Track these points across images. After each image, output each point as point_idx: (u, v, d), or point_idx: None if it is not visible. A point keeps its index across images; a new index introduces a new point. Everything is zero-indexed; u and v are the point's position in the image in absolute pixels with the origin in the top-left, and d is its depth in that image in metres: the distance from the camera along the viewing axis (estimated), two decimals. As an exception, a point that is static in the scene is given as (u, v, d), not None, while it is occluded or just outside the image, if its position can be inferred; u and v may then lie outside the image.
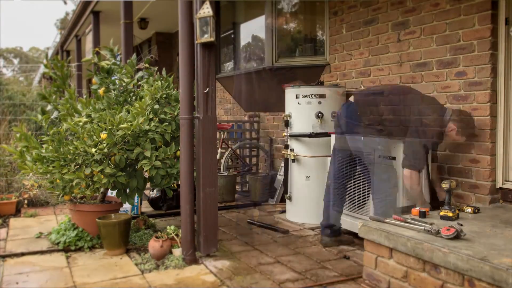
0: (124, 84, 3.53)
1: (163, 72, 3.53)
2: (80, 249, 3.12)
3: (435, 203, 2.95)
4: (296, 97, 3.78)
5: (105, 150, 2.95)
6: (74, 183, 2.96)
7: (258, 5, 4.81)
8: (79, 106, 3.40)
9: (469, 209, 2.67)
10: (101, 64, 3.59)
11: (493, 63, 2.88)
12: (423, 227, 2.25)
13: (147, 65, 3.67)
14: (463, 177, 3.06)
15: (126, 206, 3.72)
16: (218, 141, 4.91)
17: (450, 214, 2.49)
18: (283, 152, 3.97)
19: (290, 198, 3.90)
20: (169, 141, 3.19)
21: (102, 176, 2.94)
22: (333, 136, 3.51)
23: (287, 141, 3.90)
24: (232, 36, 5.78)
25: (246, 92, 5.51)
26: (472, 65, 2.97)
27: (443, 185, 2.59)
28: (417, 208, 2.56)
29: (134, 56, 3.77)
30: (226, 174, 4.75)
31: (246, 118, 5.54)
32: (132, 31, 5.37)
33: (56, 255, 3.02)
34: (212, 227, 2.93)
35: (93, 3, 6.65)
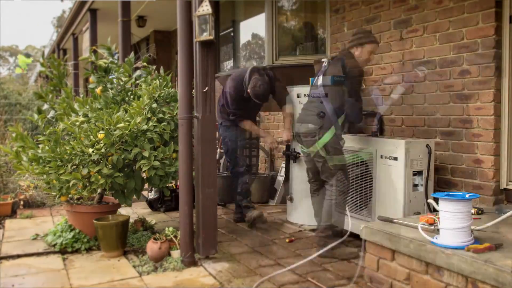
0: (121, 83, 3.49)
1: (161, 71, 3.48)
2: (77, 251, 3.07)
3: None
4: (298, 96, 3.74)
5: (102, 150, 2.91)
6: (70, 184, 2.91)
7: (258, 2, 4.77)
8: (76, 106, 3.35)
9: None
10: (98, 63, 3.55)
11: (497, 62, 2.84)
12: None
13: (145, 63, 3.63)
14: (467, 177, 3.03)
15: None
16: (217, 141, 4.85)
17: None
18: (283, 151, 3.93)
19: (291, 199, 3.86)
20: (168, 141, 3.14)
21: (99, 177, 2.90)
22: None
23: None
24: (232, 34, 5.73)
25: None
26: (476, 63, 2.93)
27: None
28: (425, 215, 2.48)
29: (132, 54, 3.72)
30: (225, 174, 4.71)
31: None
32: (130, 29, 5.33)
33: (52, 257, 2.97)
34: (211, 229, 2.89)
35: (90, 1, 6.59)
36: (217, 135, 4.56)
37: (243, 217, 3.78)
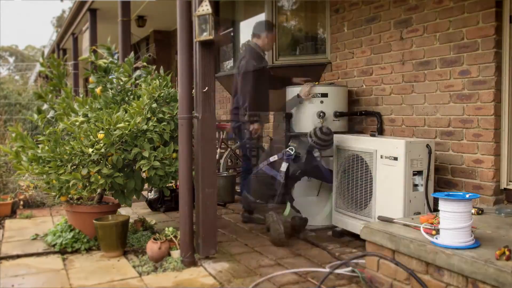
0: (121, 83, 3.48)
1: (161, 71, 3.48)
2: (76, 251, 3.07)
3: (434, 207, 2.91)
4: (298, 96, 3.73)
5: (102, 150, 2.90)
6: (70, 184, 2.91)
7: (258, 2, 4.76)
8: (75, 106, 3.35)
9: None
10: (98, 63, 3.54)
11: (498, 62, 2.84)
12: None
13: (145, 63, 3.62)
14: (467, 177, 3.02)
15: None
16: (217, 141, 4.85)
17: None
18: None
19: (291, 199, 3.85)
20: (168, 141, 3.14)
21: (99, 177, 2.90)
22: (336, 136, 3.46)
23: (288, 141, 3.85)
24: (232, 34, 5.73)
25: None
26: (476, 63, 2.93)
27: None
28: (425, 215, 2.47)
29: (131, 54, 3.71)
30: (225, 174, 4.70)
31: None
32: (130, 29, 5.32)
33: (52, 257, 2.97)
34: (211, 229, 2.88)
35: (90, 1, 6.59)
36: (217, 135, 4.56)
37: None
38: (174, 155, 3.07)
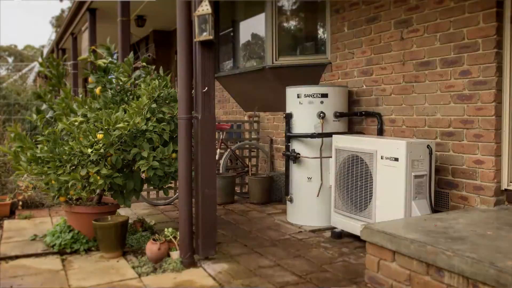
0: (121, 83, 3.47)
1: (161, 71, 3.47)
2: (75, 252, 3.06)
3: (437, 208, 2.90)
4: (298, 97, 3.73)
5: (101, 150, 2.89)
6: (69, 184, 2.90)
7: (258, 2, 4.75)
8: (75, 106, 3.34)
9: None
10: (97, 63, 3.53)
11: (498, 62, 2.83)
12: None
13: (144, 63, 3.61)
14: (467, 178, 3.02)
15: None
16: (217, 142, 4.84)
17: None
18: (282, 152, 3.91)
19: (291, 200, 3.84)
20: (167, 141, 3.13)
21: (98, 177, 2.88)
22: (335, 136, 3.46)
23: (288, 142, 3.85)
24: (232, 34, 5.72)
25: (246, 91, 5.45)
26: (476, 64, 2.92)
27: None
28: None
29: (131, 54, 3.70)
30: (225, 175, 4.69)
31: (246, 118, 5.47)
32: (129, 29, 5.31)
33: (51, 258, 2.96)
34: (211, 230, 2.87)
35: (89, 1, 6.58)
36: (216, 136, 4.55)
37: None
38: (174, 155, 3.06)
